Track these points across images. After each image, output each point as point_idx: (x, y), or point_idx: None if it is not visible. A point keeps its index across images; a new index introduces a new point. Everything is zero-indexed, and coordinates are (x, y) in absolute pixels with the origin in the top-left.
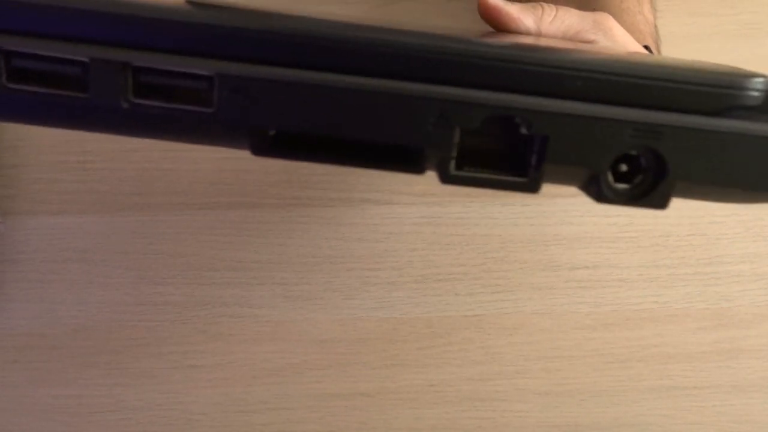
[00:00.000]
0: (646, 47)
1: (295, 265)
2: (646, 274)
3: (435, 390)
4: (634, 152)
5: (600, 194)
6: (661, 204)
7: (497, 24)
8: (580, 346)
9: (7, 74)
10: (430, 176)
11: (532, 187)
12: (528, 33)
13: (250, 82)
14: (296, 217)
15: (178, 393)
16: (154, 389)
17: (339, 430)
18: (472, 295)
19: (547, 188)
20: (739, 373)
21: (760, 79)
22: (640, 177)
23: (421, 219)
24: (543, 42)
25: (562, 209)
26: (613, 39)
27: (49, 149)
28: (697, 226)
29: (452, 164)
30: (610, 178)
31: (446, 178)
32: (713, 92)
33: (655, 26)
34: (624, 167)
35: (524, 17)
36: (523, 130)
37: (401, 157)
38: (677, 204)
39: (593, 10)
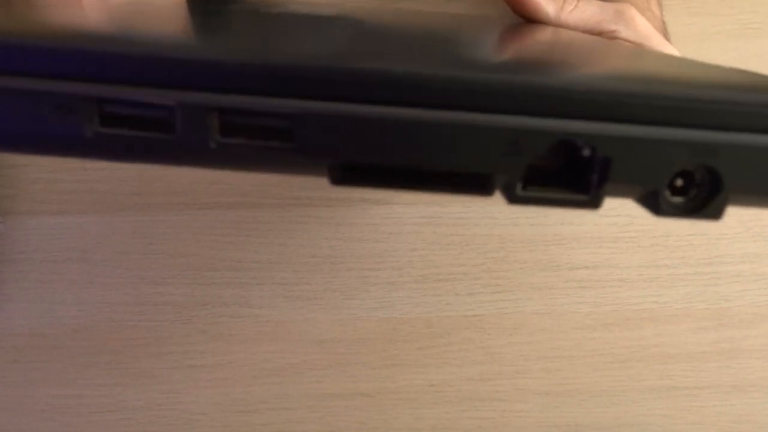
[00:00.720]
0: None
1: (295, 265)
2: (646, 274)
3: (435, 390)
4: (690, 168)
5: (658, 208)
6: (716, 216)
7: (519, 9)
8: (580, 346)
9: (99, 119)
10: None
11: (594, 204)
12: (548, 20)
13: (329, 119)
14: (296, 217)
15: (178, 393)
16: (154, 389)
17: (339, 430)
18: (472, 295)
19: None
20: (739, 373)
21: None
22: (695, 191)
23: (421, 219)
24: (578, 42)
25: (562, 209)
26: (635, 29)
27: None
28: (697, 226)
29: (519, 186)
30: (668, 193)
31: (513, 199)
32: None
33: (663, 22)
34: (680, 182)
35: (546, 3)
36: (586, 152)
37: (471, 182)
38: None
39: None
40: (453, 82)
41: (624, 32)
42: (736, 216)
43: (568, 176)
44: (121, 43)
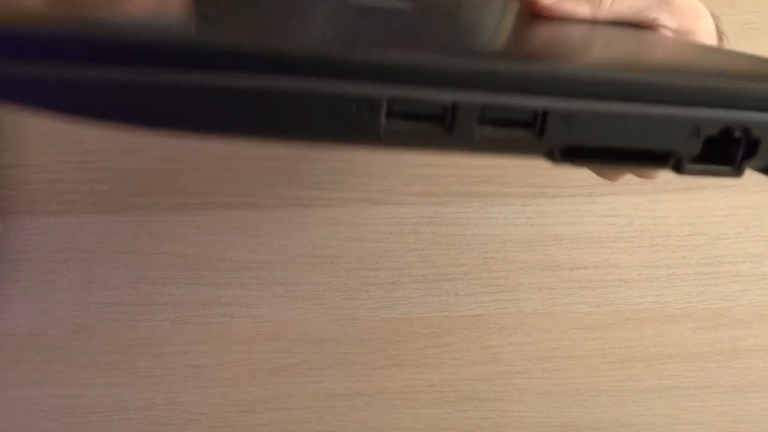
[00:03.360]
0: None
1: (294, 265)
2: (646, 274)
3: (435, 390)
4: None
5: None
6: None
7: (554, 17)
8: (580, 346)
9: (388, 115)
10: (429, 176)
11: (738, 174)
12: (584, 20)
13: (565, 112)
14: (296, 217)
15: (178, 393)
16: (154, 389)
17: (339, 430)
18: (472, 295)
19: (547, 188)
20: (739, 373)
21: None
22: None
23: (421, 219)
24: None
25: (562, 209)
26: (680, 14)
27: (49, 149)
28: (697, 226)
29: (686, 161)
30: None
31: (682, 171)
32: None
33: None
34: None
35: (579, 10)
36: (737, 134)
37: (657, 158)
38: (678, 204)
39: None
40: (659, 84)
41: (665, 19)
42: (736, 216)
43: (716, 152)
44: (403, 51)
